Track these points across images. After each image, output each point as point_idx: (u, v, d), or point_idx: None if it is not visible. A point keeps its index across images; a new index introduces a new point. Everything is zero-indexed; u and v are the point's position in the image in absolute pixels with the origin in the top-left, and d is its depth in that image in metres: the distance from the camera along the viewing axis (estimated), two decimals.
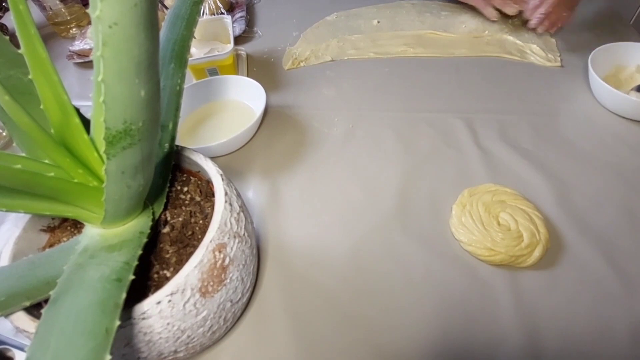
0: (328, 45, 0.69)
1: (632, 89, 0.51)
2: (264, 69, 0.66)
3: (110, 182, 0.23)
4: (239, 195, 0.32)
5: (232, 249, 0.28)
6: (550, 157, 0.47)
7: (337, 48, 0.68)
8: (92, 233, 0.27)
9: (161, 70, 0.32)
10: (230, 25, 0.64)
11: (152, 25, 0.19)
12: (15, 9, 0.20)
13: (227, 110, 0.57)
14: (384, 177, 0.47)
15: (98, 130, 0.23)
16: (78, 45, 0.73)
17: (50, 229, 0.32)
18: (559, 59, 0.61)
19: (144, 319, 0.24)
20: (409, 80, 0.61)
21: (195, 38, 0.65)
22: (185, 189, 0.33)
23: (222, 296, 0.28)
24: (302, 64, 0.66)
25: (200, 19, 0.59)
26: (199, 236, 0.30)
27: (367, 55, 0.66)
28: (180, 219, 0.31)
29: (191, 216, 0.31)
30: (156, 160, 0.29)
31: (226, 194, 0.29)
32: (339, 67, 0.65)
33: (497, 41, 0.66)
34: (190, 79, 0.61)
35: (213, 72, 0.61)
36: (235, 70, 0.64)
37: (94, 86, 0.19)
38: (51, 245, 0.31)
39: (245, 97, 0.57)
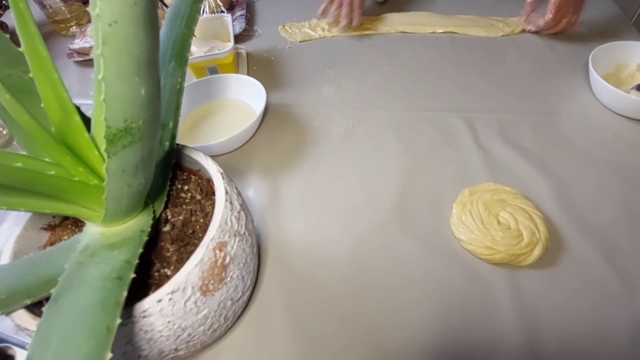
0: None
1: (632, 88, 0.51)
2: (264, 68, 0.66)
3: (110, 180, 0.23)
4: (239, 194, 0.32)
5: (232, 247, 0.28)
6: (550, 156, 0.47)
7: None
8: (93, 231, 0.27)
9: (161, 68, 0.32)
10: (231, 23, 0.64)
11: (152, 23, 0.19)
12: (16, 7, 0.20)
13: (228, 109, 0.57)
14: (384, 176, 0.47)
15: (98, 129, 0.23)
16: (78, 44, 0.73)
17: (51, 228, 0.32)
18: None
19: (144, 317, 0.24)
20: (409, 79, 0.61)
21: (195, 36, 0.65)
22: (186, 187, 0.33)
23: (223, 294, 0.28)
24: (295, 30, 0.71)
25: (200, 18, 0.58)
26: (200, 235, 0.30)
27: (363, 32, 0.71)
28: (181, 217, 0.31)
29: (192, 215, 0.31)
30: (157, 159, 0.29)
31: (227, 192, 0.29)
32: (339, 65, 0.65)
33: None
34: (190, 78, 0.61)
35: (213, 70, 0.60)
36: (236, 69, 0.64)
37: (95, 85, 0.19)
38: (52, 244, 0.32)
39: (246, 96, 0.57)
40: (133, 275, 0.22)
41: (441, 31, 0.69)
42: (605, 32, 0.65)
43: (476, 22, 0.70)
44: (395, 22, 0.72)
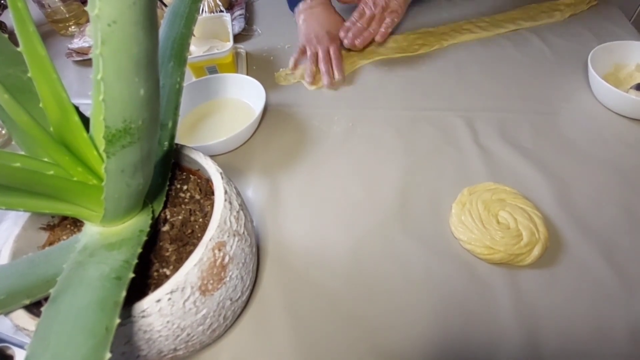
0: None
1: (631, 88, 0.51)
2: (263, 67, 0.66)
3: (109, 180, 0.23)
4: (238, 194, 0.32)
5: (231, 247, 0.28)
6: (549, 156, 0.47)
7: None
8: (92, 231, 0.27)
9: (160, 68, 0.32)
10: (230, 23, 0.64)
11: (151, 23, 0.19)
12: (14, 6, 0.20)
13: (227, 109, 0.57)
14: (384, 175, 0.47)
15: (97, 129, 0.23)
16: (77, 43, 0.73)
17: (49, 228, 0.32)
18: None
19: (143, 317, 0.24)
20: (409, 79, 0.61)
21: (194, 36, 0.65)
22: (185, 187, 0.33)
23: (222, 294, 0.28)
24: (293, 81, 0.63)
25: (199, 17, 0.59)
26: (199, 234, 0.30)
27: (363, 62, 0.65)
28: (180, 217, 0.31)
29: (191, 214, 0.31)
30: (156, 159, 0.29)
31: (226, 192, 0.29)
32: None
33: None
34: (189, 77, 0.61)
35: (212, 70, 0.60)
36: (235, 69, 0.64)
37: (93, 84, 0.19)
38: (51, 244, 0.32)
39: (245, 96, 0.57)
40: (132, 275, 0.22)
41: (505, 31, 0.66)
42: (604, 32, 0.65)
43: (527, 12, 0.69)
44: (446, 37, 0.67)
